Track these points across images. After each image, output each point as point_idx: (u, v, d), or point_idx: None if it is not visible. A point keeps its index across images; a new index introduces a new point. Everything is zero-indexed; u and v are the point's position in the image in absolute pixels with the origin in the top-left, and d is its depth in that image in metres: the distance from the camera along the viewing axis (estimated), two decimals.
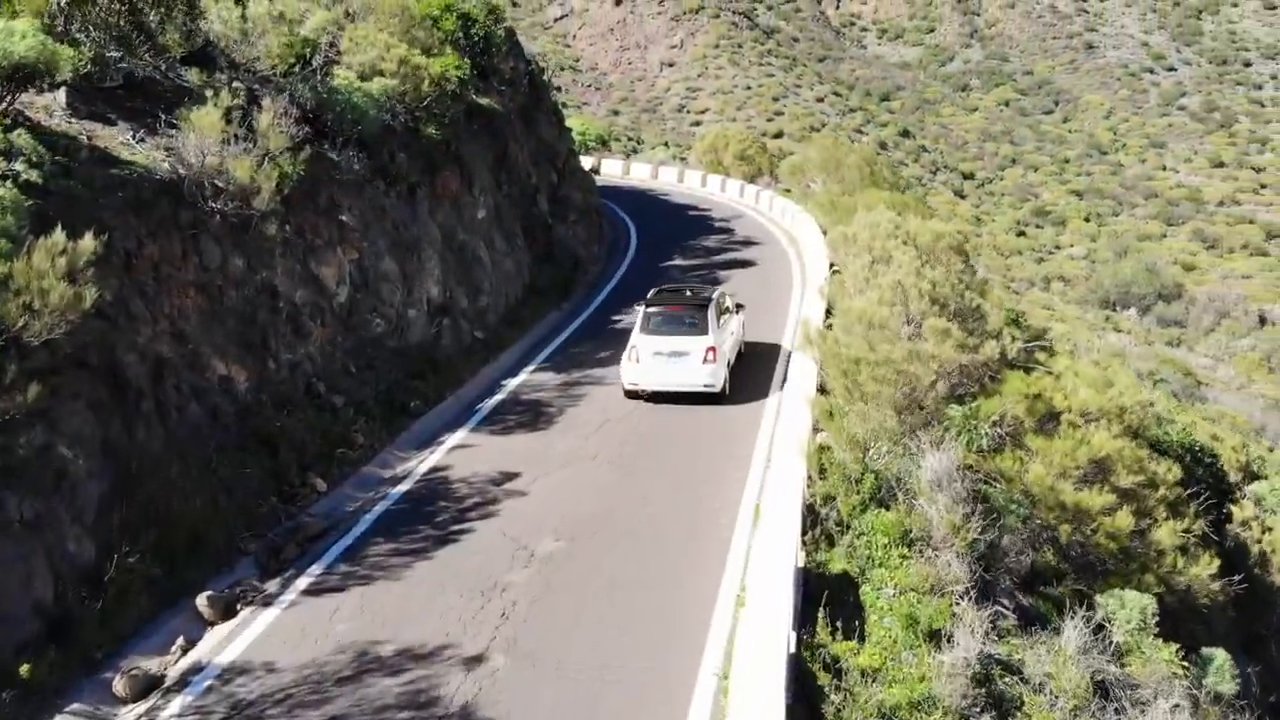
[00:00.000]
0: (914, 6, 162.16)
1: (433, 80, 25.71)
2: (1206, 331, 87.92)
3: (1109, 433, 17.66)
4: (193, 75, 19.27)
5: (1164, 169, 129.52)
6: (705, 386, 20.36)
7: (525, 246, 29.88)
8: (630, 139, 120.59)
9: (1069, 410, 18.29)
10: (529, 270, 29.58)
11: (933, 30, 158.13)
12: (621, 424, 20.05)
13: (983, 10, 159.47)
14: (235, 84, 19.17)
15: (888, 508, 14.77)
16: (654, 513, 15.90)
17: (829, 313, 22.67)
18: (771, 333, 25.91)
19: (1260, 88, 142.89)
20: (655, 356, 20.46)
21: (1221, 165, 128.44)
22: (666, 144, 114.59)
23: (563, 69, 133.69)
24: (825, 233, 31.47)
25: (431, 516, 15.99)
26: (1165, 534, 17.33)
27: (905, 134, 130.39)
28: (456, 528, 15.53)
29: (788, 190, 44.40)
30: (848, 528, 14.43)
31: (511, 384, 22.98)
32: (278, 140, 18.10)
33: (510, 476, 17.41)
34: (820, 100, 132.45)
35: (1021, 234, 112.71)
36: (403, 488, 17.17)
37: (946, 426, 16.75)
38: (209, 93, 17.78)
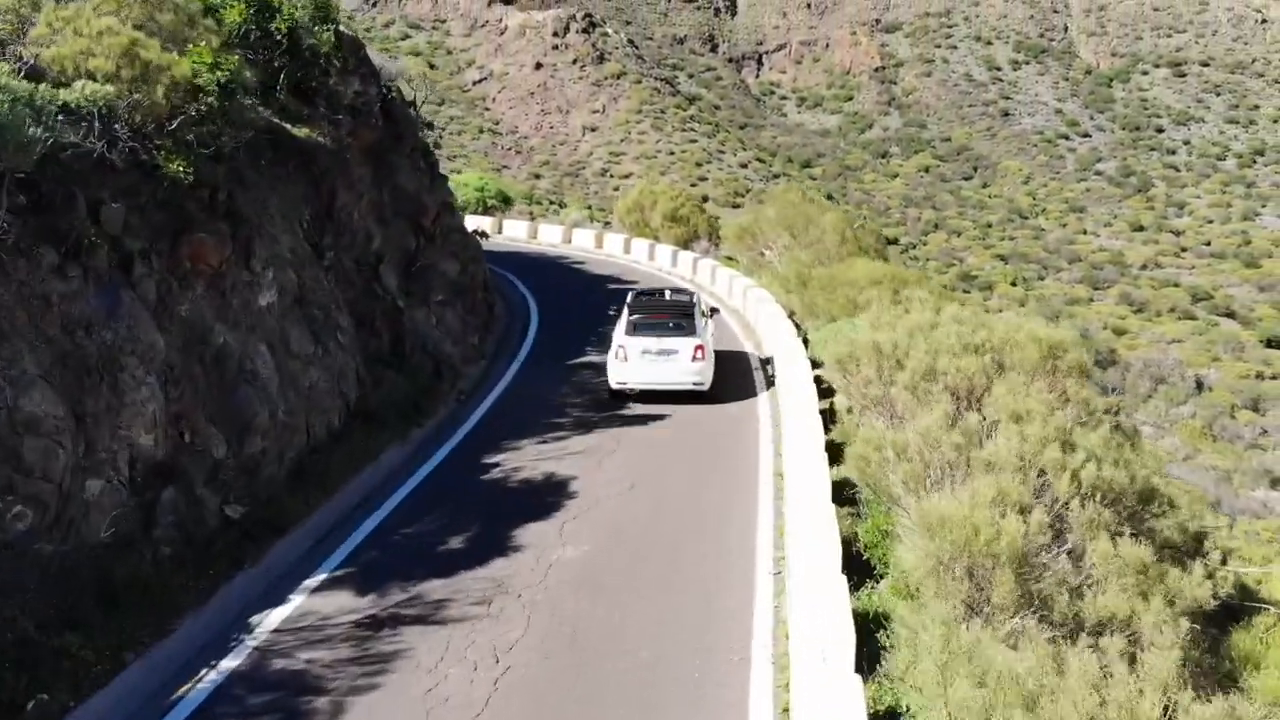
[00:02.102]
0: (832, 76, 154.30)
1: (176, 87, 14.39)
2: (1144, 398, 79.51)
3: None
4: None
5: (1085, 233, 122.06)
6: (694, 385, 19.80)
7: (353, 345, 18.39)
8: (552, 202, 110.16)
9: None
10: (357, 382, 18.06)
11: (851, 98, 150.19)
12: None
13: (900, 79, 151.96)
14: None
15: None
16: None
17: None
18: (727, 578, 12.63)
19: (1174, 153, 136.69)
20: (644, 355, 19.82)
21: (1141, 229, 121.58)
22: (588, 206, 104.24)
23: (482, 132, 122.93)
24: (800, 327, 20.70)
25: None
26: None
27: (829, 198, 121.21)
28: None
29: (732, 259, 33.54)
30: None
31: (264, 626, 11.42)
32: None
33: None
34: (744, 166, 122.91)
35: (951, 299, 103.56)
36: None
37: None
38: None
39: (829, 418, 16.55)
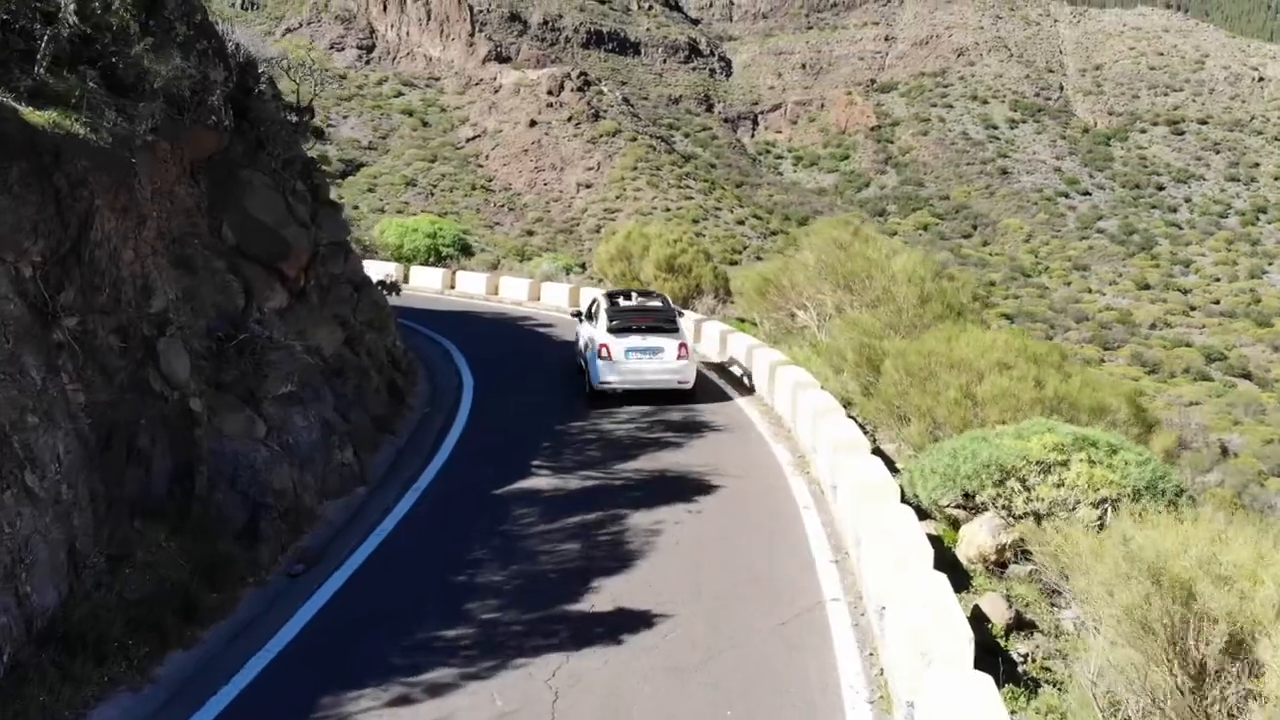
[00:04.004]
0: (828, 135, 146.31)
1: None
2: (1171, 464, 70.14)
3: None
4: None
5: (1090, 291, 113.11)
6: (679, 383, 18.64)
7: (81, 487, 9.06)
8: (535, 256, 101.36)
9: None
10: (70, 566, 8.71)
11: (847, 157, 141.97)
12: None
13: (896, 138, 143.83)
14: None
15: None
16: None
17: None
18: None
19: (1175, 210, 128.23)
20: (630, 353, 18.51)
21: (1148, 287, 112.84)
22: (571, 258, 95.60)
23: (474, 188, 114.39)
24: (866, 429, 11.49)
25: None
26: None
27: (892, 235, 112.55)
28: None
29: (747, 322, 24.25)
30: None
31: None
32: None
33: None
34: (741, 223, 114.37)
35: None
36: None
37: None
38: None
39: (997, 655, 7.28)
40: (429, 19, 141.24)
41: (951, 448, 10.57)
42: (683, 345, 18.75)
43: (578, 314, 22.09)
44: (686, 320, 24.18)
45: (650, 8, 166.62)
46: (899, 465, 13.17)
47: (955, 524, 10.90)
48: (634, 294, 20.82)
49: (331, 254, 17.01)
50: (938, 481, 10.36)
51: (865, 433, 13.40)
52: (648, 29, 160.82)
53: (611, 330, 18.61)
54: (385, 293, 19.02)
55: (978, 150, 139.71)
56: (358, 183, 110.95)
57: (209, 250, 13.29)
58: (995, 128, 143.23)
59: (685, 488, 13.33)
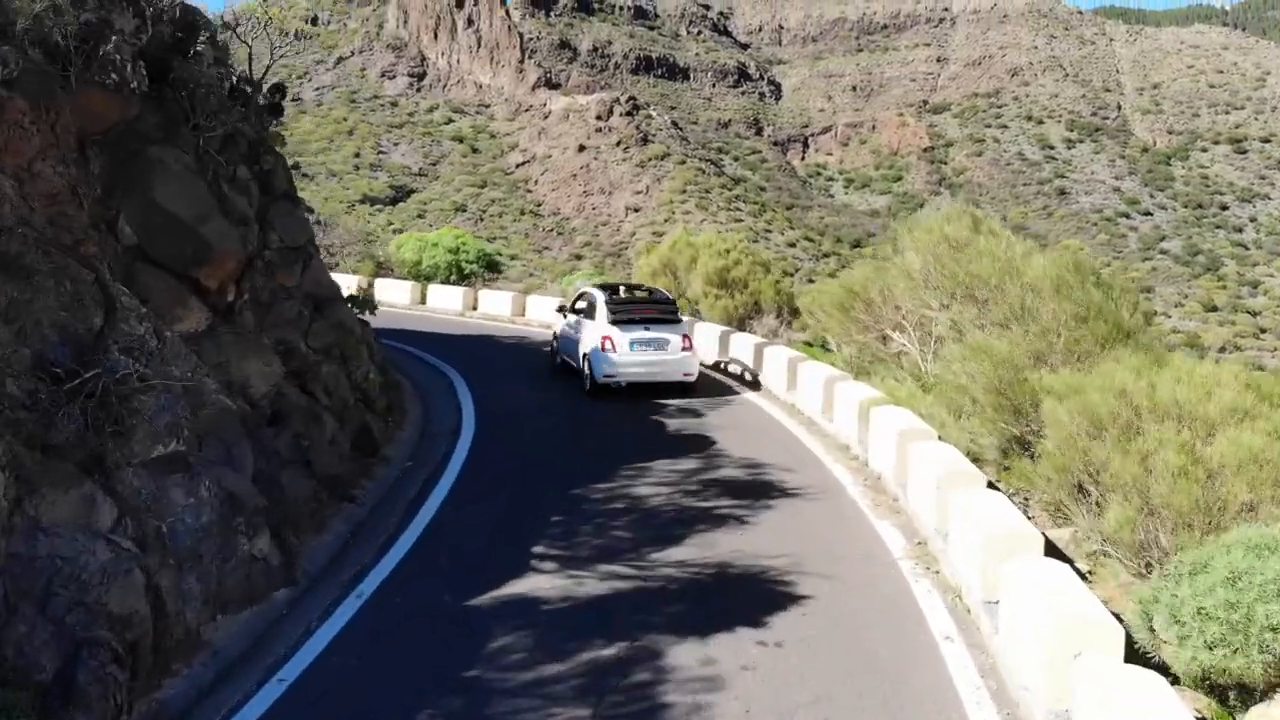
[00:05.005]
0: (880, 156, 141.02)
1: None
2: None
3: None
4: None
5: (1156, 314, 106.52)
6: (684, 375, 17.88)
7: None
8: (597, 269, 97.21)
9: None
10: None
11: (900, 179, 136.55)
12: None
13: (950, 159, 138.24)
14: None
15: None
16: None
17: None
18: None
19: (1240, 230, 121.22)
20: (635, 345, 17.61)
21: (1215, 309, 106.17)
22: (607, 276, 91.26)
23: (523, 213, 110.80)
24: (1014, 499, 6.94)
25: None
26: None
27: (1019, 230, 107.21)
28: None
29: (815, 346, 19.61)
30: None
31: None
32: None
33: None
34: (792, 245, 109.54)
35: None
36: None
37: None
38: None
39: None
40: (479, 46, 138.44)
41: (1227, 567, 5.88)
42: (686, 337, 18.14)
43: (562, 309, 20.40)
44: (745, 342, 19.55)
45: (699, 33, 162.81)
46: (1082, 568, 8.45)
47: (1222, 697, 6.21)
48: (623, 287, 19.95)
49: (283, 261, 12.65)
50: (1217, 632, 5.68)
51: (1024, 513, 8.66)
52: (696, 54, 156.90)
53: (614, 322, 17.72)
54: (359, 311, 14.55)
55: (1034, 171, 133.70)
56: (408, 208, 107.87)
57: (63, 249, 8.98)
58: (1052, 148, 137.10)
59: (754, 598, 8.71)
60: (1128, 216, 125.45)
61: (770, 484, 12.20)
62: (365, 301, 15.12)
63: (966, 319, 12.12)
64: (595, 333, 17.75)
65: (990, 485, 9.67)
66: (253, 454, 10.00)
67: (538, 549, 9.98)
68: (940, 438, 10.96)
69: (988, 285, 12.11)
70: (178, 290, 10.72)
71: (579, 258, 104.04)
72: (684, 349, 17.86)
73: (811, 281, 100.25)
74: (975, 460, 10.54)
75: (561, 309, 20.45)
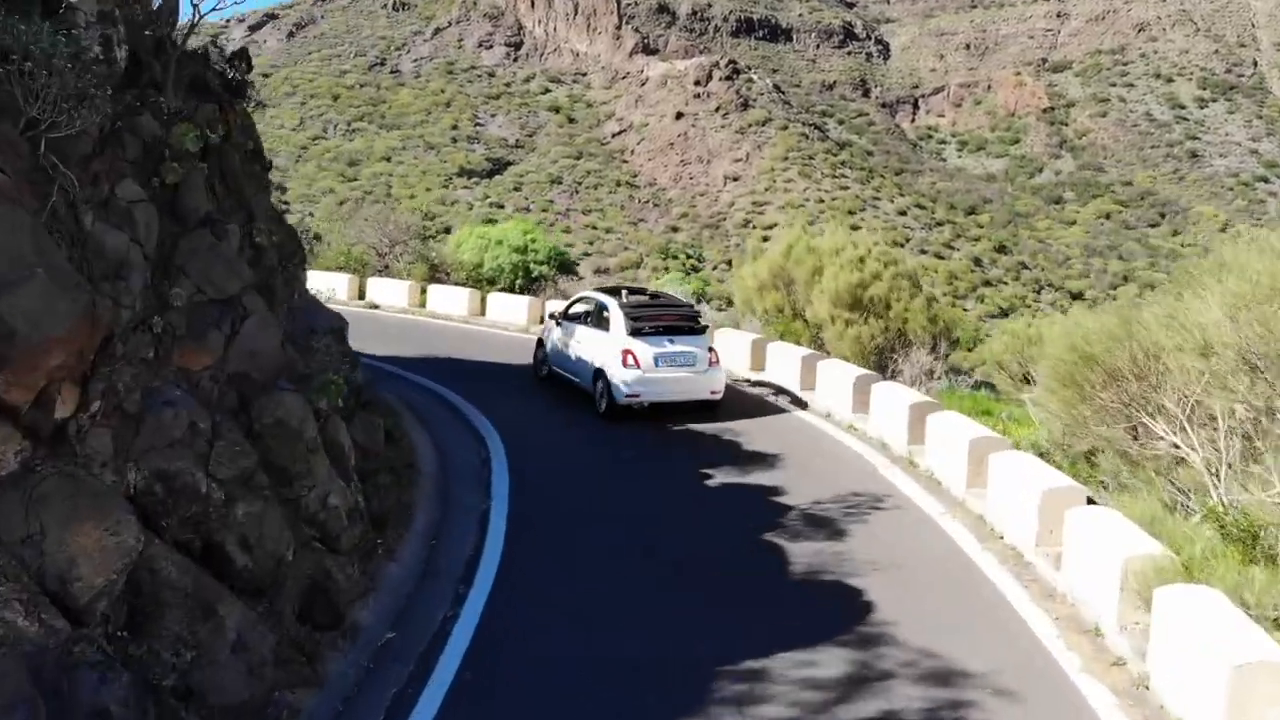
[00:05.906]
0: (995, 118, 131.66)
1: None
2: None
3: None
4: None
5: None
6: (711, 394, 15.77)
7: None
8: (689, 256, 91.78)
9: None
10: None
11: (1017, 141, 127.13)
12: None
13: (1071, 120, 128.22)
14: None
15: None
16: None
17: None
18: None
19: None
20: (660, 361, 15.39)
21: None
22: (685, 260, 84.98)
23: (619, 185, 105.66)
24: None
25: None
26: None
27: (1001, 249, 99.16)
28: None
29: (984, 390, 14.14)
30: None
31: None
32: None
33: None
34: (903, 214, 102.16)
35: None
36: None
37: None
38: None
39: None
40: (576, 13, 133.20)
41: None
42: (711, 349, 16.26)
43: (553, 316, 17.93)
44: (894, 398, 14.07)
45: None
46: None
47: None
48: (626, 290, 17.47)
49: (192, 327, 7.84)
50: None
51: None
52: (800, 14, 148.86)
53: (634, 334, 15.53)
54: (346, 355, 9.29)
55: (1163, 132, 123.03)
56: (504, 181, 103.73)
57: None
58: (1183, 107, 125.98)
59: None
60: (1266, 181, 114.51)
61: None
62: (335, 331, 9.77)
63: None
64: (611, 346, 15.50)
65: None
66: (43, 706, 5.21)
67: None
68: None
69: None
70: None
71: (675, 230, 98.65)
72: (711, 363, 15.90)
73: (923, 253, 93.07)
74: None
75: (553, 316, 17.92)
